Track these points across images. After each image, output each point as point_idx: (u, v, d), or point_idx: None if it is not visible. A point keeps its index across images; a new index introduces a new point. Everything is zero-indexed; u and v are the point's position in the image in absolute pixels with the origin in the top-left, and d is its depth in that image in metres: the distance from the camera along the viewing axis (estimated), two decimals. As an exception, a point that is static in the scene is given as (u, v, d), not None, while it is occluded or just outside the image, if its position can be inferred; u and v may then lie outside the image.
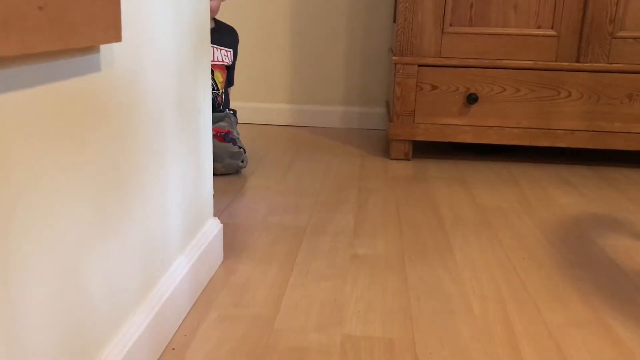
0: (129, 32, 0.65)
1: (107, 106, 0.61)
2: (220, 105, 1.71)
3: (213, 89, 1.68)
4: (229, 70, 1.76)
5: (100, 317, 0.63)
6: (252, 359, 0.79)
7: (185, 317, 0.88)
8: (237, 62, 1.80)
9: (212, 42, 1.66)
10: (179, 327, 0.85)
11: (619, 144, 1.73)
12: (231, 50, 1.74)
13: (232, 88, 1.84)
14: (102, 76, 0.60)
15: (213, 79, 1.68)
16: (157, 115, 0.75)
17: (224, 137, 1.60)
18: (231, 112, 1.76)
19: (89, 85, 0.57)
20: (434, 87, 1.74)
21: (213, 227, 1.03)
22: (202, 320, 0.87)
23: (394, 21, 1.93)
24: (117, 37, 0.57)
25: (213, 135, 1.54)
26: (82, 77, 0.56)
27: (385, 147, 1.97)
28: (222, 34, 1.72)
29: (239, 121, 1.88)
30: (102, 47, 0.59)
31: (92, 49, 0.57)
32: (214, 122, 1.63)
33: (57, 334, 0.54)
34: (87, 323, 0.60)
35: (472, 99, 1.71)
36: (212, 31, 1.66)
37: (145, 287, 0.75)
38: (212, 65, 1.67)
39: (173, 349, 0.80)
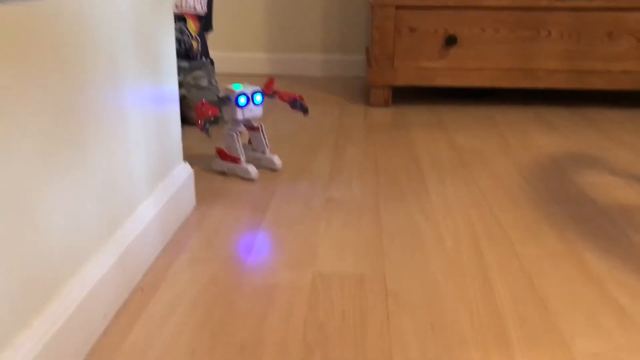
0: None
1: (54, 36, 0.59)
2: (197, 55, 1.67)
3: (185, 35, 1.63)
4: (205, 16, 1.70)
5: (59, 253, 0.61)
6: (221, 297, 0.78)
7: (155, 259, 0.87)
8: (212, 11, 1.75)
9: None
10: (149, 268, 0.84)
11: (599, 84, 1.71)
12: None
13: (210, 34, 1.79)
14: (48, 4, 0.57)
15: (186, 27, 1.63)
16: (111, 49, 0.72)
17: (292, 103, 1.28)
18: (209, 60, 1.72)
19: (32, 11, 0.54)
20: (413, 30, 1.70)
21: (182, 172, 1.01)
22: (172, 263, 0.87)
23: (372, -36, 1.87)
24: (57, -40, 0.54)
25: (286, 100, 1.26)
26: (23, 3, 0.53)
27: (365, 94, 1.94)
28: None
29: (216, 71, 1.85)
30: (44, -28, 0.56)
31: (31, -28, 0.54)
32: (190, 71, 1.60)
33: (12, 268, 0.53)
34: (44, 259, 0.58)
35: (451, 40, 1.68)
36: None
37: (109, 227, 0.74)
38: (185, 14, 1.62)
39: (142, 289, 0.79)
